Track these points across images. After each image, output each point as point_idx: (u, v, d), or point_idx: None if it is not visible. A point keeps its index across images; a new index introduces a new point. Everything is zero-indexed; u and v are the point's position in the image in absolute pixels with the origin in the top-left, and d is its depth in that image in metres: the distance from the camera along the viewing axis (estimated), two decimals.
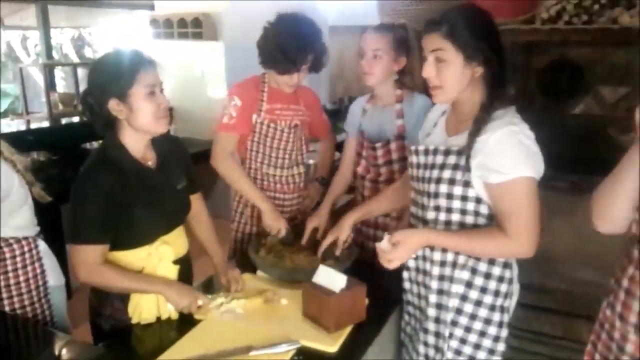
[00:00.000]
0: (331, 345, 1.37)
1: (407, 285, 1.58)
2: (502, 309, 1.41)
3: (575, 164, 2.82)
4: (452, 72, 1.33)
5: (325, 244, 1.79)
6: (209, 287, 1.74)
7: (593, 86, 3.01)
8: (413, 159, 1.50)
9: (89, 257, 1.42)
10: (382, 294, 1.63)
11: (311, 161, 2.76)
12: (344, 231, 1.77)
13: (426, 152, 1.45)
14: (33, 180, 1.76)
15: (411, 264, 1.54)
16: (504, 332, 1.42)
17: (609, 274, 1.28)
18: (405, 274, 1.57)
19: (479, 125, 1.33)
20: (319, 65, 2.08)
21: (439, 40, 1.32)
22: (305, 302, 1.51)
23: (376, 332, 1.50)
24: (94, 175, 1.44)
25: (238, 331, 1.42)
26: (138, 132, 1.49)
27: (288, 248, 1.93)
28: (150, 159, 1.56)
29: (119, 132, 1.49)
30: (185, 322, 1.50)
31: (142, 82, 1.41)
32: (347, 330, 1.44)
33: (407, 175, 1.72)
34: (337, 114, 5.16)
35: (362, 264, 1.78)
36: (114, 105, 1.42)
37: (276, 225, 1.99)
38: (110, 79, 1.40)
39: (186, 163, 1.71)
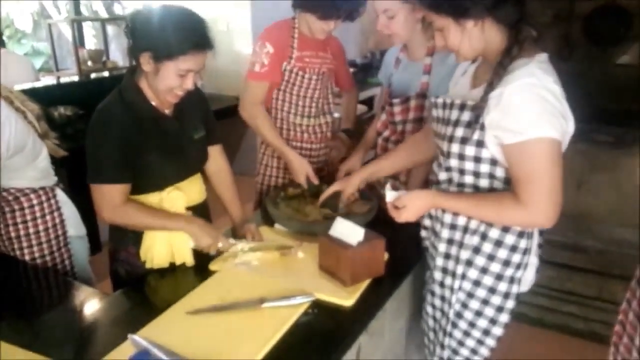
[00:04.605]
0: (347, 299, 1.34)
1: (425, 243, 1.53)
2: (512, 280, 1.32)
3: (619, 116, 2.67)
4: (453, 37, 1.24)
5: (328, 192, 1.75)
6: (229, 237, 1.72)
7: None
8: (433, 112, 1.40)
9: (110, 197, 1.43)
10: (403, 249, 1.58)
11: (336, 115, 2.70)
12: (350, 186, 1.72)
13: (444, 105, 1.34)
14: (47, 131, 1.75)
15: (427, 222, 1.48)
16: (510, 304, 1.34)
17: None
18: (423, 232, 1.52)
19: (493, 77, 1.20)
20: (356, 13, 1.99)
21: (426, 11, 1.27)
22: (321, 255, 1.48)
23: (394, 287, 1.46)
24: (109, 115, 1.43)
25: (253, 283, 1.41)
26: None
27: (308, 200, 1.90)
28: (167, 107, 1.53)
29: (138, 76, 1.47)
30: (200, 272, 1.49)
31: (182, 64, 1.37)
32: (364, 284, 1.41)
33: (422, 132, 1.64)
34: (368, 69, 5.03)
35: (383, 217, 1.72)
36: (145, 58, 1.38)
37: (303, 170, 1.97)
38: (157, 38, 1.35)
39: (205, 113, 1.68)
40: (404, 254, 1.58)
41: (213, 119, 1.72)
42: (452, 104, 1.31)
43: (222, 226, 1.81)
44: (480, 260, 1.32)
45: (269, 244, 1.60)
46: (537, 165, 1.14)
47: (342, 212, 1.73)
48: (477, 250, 1.32)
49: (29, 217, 1.68)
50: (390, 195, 1.40)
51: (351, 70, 2.80)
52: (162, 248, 1.51)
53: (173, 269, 1.53)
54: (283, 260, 1.55)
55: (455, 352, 1.43)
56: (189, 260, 1.53)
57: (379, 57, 5.07)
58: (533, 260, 1.35)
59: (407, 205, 1.35)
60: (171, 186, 1.55)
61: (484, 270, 1.32)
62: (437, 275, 1.43)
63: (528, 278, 1.36)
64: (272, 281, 1.41)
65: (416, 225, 1.52)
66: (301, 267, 1.51)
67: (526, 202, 1.17)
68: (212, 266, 1.51)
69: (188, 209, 1.57)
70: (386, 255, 1.49)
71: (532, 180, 1.15)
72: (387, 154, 1.75)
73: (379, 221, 1.65)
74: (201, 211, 1.67)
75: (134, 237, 1.54)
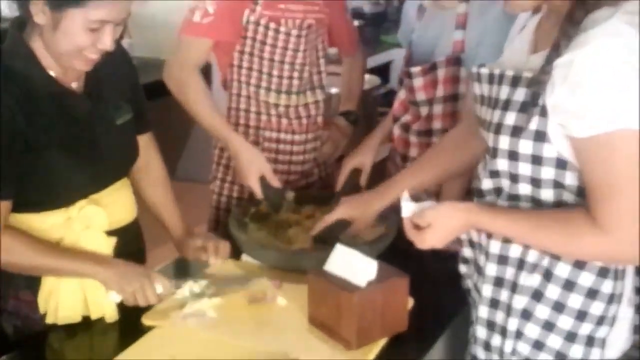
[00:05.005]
0: None
1: (467, 283, 1.52)
2: (591, 341, 1.30)
3: None
4: None
5: (328, 220, 1.72)
6: (174, 275, 1.74)
7: None
8: (475, 88, 1.40)
9: None
10: (436, 291, 1.60)
11: (333, 90, 2.71)
12: (367, 216, 1.71)
13: (490, 78, 1.34)
14: None
15: (467, 253, 1.48)
16: None
17: None
18: (462, 268, 1.52)
19: (560, 36, 1.18)
20: None
21: None
22: (312, 302, 1.48)
23: (422, 351, 1.47)
24: None
25: (208, 345, 1.41)
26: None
27: (292, 219, 1.92)
28: (74, 79, 1.53)
29: (30, 33, 1.47)
30: (129, 329, 1.49)
31: (93, 12, 1.37)
32: (378, 346, 1.41)
33: (464, 126, 1.64)
34: (381, 22, 5.04)
35: (405, 244, 1.72)
36: (37, 5, 1.38)
37: (255, 167, 1.95)
38: None
39: (133, 87, 1.69)
40: (437, 300, 1.59)
41: (142, 95, 1.74)
42: (501, 77, 1.30)
43: (161, 260, 1.83)
44: (542, 311, 1.30)
45: (232, 286, 1.61)
46: (622, 170, 1.13)
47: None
48: (538, 295, 1.30)
49: None
50: (407, 208, 1.39)
51: (356, 23, 2.81)
52: (71, 294, 1.51)
53: (87, 325, 1.52)
54: (254, 309, 1.55)
55: None
56: (111, 313, 1.53)
57: (397, 3, 5.09)
58: (626, 312, 1.33)
59: (433, 225, 1.34)
60: (84, 199, 1.55)
61: (548, 326, 1.31)
62: (481, 332, 1.41)
63: (619, 338, 1.34)
64: (237, 341, 1.42)
65: (454, 256, 1.53)
66: (281, 319, 1.52)
67: (606, 224, 1.15)
68: (147, 320, 1.50)
69: (111, 233, 1.58)
70: (411, 302, 1.49)
71: (615, 192, 1.14)
72: (415, 166, 1.75)
73: (398, 250, 1.65)
74: (131, 236, 1.68)
75: (28, 277, 1.53)
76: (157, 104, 2.15)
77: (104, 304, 1.52)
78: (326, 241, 1.70)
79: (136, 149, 1.71)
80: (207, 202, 2.35)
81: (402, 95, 2.02)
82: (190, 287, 1.56)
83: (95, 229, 1.55)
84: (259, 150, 2.04)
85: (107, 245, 1.56)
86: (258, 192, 1.95)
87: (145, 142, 1.77)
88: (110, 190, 1.62)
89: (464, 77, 1.83)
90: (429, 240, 1.35)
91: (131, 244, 1.66)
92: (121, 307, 1.53)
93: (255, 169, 1.95)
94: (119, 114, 1.61)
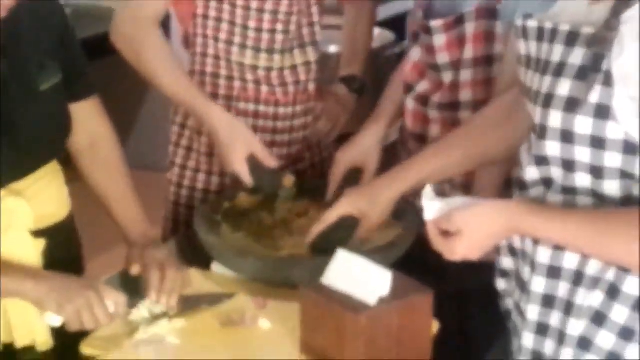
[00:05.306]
0: None
1: (507, 303, 1.54)
2: None
3: None
4: None
5: (327, 220, 1.74)
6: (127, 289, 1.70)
7: None
8: (521, 47, 1.42)
9: None
10: (467, 312, 1.62)
11: (332, 48, 2.71)
12: (376, 213, 1.72)
13: (539, 34, 1.35)
14: None
15: (507, 263, 1.49)
16: None
17: None
18: (500, 283, 1.53)
19: None
20: None
21: None
22: (306, 326, 1.48)
23: None
24: None
25: None
26: None
27: (278, 216, 1.93)
28: None
29: None
30: (63, 359, 1.51)
31: None
32: None
33: (511, 95, 1.64)
34: None
35: (425, 251, 1.73)
36: None
37: (241, 144, 1.94)
38: None
39: (62, 41, 1.70)
40: (468, 324, 1.62)
41: (78, 51, 1.75)
42: (554, 32, 1.31)
43: (103, 272, 1.82)
44: (605, 339, 1.32)
45: (200, 304, 1.62)
46: None
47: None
48: (599, 318, 1.32)
49: None
50: (431, 207, 1.40)
51: None
52: None
53: (12, 356, 1.53)
54: (228, 335, 1.55)
55: None
56: (43, 339, 1.53)
57: None
58: None
59: (464, 230, 1.34)
60: (2, 189, 1.55)
61: (612, 357, 1.33)
62: None
63: None
64: None
65: (489, 267, 1.54)
66: (265, 348, 1.53)
67: None
68: (87, 348, 1.50)
69: (38, 233, 1.58)
70: (435, 326, 1.50)
71: None
72: (439, 145, 1.76)
73: (418, 258, 1.67)
74: (64, 237, 1.70)
75: None
76: (96, 66, 2.13)
77: (33, 328, 1.52)
78: (328, 249, 1.69)
79: (67, 122, 1.71)
80: (162, 195, 2.36)
81: (415, 55, 2.02)
82: (149, 307, 1.56)
83: (19, 228, 1.55)
84: (244, 122, 2.02)
85: (34, 249, 1.57)
86: (247, 178, 1.93)
87: (89, 112, 1.77)
88: (35, 178, 1.63)
89: (501, 33, 1.84)
90: (460, 250, 1.36)
91: (64, 248, 1.67)
92: (57, 331, 1.52)
93: (240, 147, 1.93)
94: (43, 77, 1.61)
